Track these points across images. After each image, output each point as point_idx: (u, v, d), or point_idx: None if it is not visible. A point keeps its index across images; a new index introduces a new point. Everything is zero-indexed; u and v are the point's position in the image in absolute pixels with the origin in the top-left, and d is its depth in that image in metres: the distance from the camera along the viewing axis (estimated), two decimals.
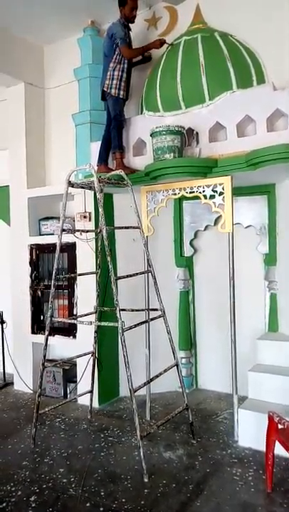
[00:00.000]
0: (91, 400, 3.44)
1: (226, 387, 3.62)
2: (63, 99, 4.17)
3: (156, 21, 3.68)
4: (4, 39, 3.93)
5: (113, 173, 3.06)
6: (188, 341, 3.94)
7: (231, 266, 2.93)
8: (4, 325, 4.33)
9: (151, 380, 2.84)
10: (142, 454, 2.49)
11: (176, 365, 2.96)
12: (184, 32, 3.39)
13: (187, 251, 3.92)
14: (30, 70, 4.21)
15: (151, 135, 3.07)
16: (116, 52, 3.33)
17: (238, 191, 3.19)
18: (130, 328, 2.63)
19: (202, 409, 3.51)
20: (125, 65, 3.38)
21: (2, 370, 4.36)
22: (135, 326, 2.70)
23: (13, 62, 4.03)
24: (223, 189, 2.92)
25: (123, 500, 2.30)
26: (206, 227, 3.80)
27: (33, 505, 2.29)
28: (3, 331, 4.33)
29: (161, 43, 3.40)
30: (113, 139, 3.39)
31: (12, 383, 4.24)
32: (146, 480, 2.46)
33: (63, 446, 2.96)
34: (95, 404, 3.56)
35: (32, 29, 3.99)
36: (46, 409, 3.14)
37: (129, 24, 3.42)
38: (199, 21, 3.36)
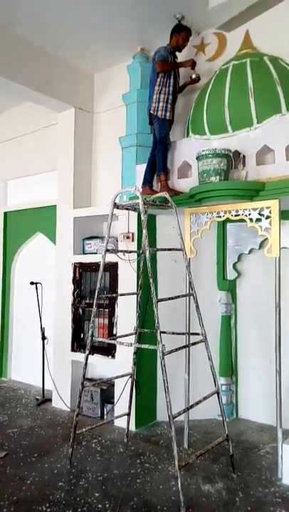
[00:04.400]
0: (128, 422, 3.39)
1: (268, 419, 3.45)
2: (111, 122, 4.30)
3: (205, 47, 3.74)
4: (59, 67, 4.15)
5: (158, 195, 3.08)
6: (229, 367, 3.81)
7: (278, 291, 2.83)
8: (46, 341, 4.41)
9: (191, 407, 2.76)
10: (179, 484, 2.39)
11: (217, 392, 2.86)
12: (233, 57, 3.41)
13: (230, 274, 3.83)
14: (81, 96, 4.40)
15: (197, 158, 3.08)
16: (160, 75, 3.40)
17: (285, 215, 3.11)
18: (171, 352, 2.58)
19: (243, 440, 3.35)
20: (170, 88, 3.44)
21: (41, 386, 4.41)
22: (176, 350, 2.65)
23: (66, 89, 4.23)
24: (270, 212, 2.85)
25: None
26: (251, 251, 3.71)
27: None
28: (44, 347, 4.40)
29: (192, 64, 3.44)
30: (158, 161, 3.43)
31: (50, 400, 4.28)
32: None
33: (99, 469, 2.91)
34: (132, 427, 3.50)
35: (84, 57, 4.18)
36: (84, 430, 3.12)
37: (176, 52, 3.50)
38: (248, 46, 3.38)
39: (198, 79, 3.60)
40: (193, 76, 3.56)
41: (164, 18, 3.46)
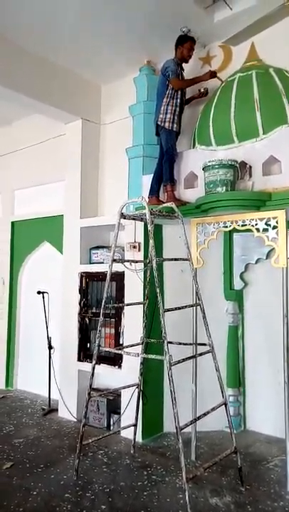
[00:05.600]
0: (135, 433, 3.37)
1: (277, 431, 3.41)
2: (118, 134, 4.35)
3: (211, 59, 3.79)
4: (66, 79, 4.22)
5: (164, 205, 3.10)
6: (237, 378, 3.78)
7: (285, 302, 2.81)
8: (52, 350, 4.41)
9: (198, 418, 2.74)
10: (187, 498, 2.37)
11: (225, 404, 2.84)
12: (239, 69, 3.45)
13: (237, 284, 3.83)
14: (88, 108, 4.46)
15: (203, 169, 3.10)
16: (169, 88, 3.44)
17: None
18: (178, 362, 2.57)
19: (251, 453, 3.31)
20: (178, 100, 3.48)
21: (48, 396, 4.40)
22: (183, 360, 2.64)
23: (73, 101, 4.30)
24: (277, 223, 2.85)
25: None
26: (258, 261, 3.71)
27: None
28: (50, 357, 4.40)
29: (211, 75, 3.49)
30: (165, 172, 3.46)
31: (57, 410, 4.27)
32: None
33: (106, 481, 2.89)
34: (139, 438, 3.47)
35: (92, 70, 4.26)
36: (90, 441, 3.10)
37: (183, 64, 3.55)
38: (254, 58, 3.41)
39: (206, 93, 3.64)
40: (202, 89, 3.62)
41: (171, 31, 3.50)
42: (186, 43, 3.48)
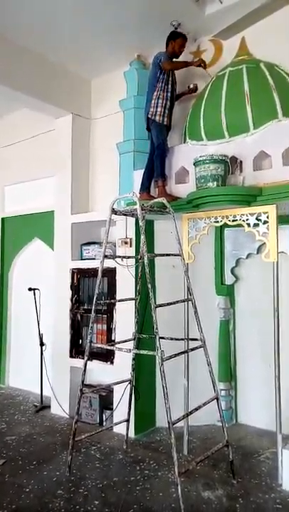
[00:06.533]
0: (127, 429, 3.37)
1: (268, 424, 3.44)
2: (108, 129, 4.32)
3: (201, 54, 3.77)
4: (56, 73, 4.16)
5: (155, 200, 3.09)
6: (228, 373, 3.80)
7: (276, 296, 2.83)
8: (44, 347, 4.39)
9: (190, 413, 2.75)
10: (179, 492, 2.38)
11: (217, 398, 2.86)
12: (229, 63, 3.43)
13: (228, 279, 3.84)
14: (78, 102, 4.42)
15: (194, 164, 3.09)
16: (160, 80, 3.43)
17: (283, 220, 3.12)
18: (170, 357, 2.58)
19: (242, 446, 3.34)
20: (169, 94, 3.47)
21: (40, 393, 4.38)
22: (175, 355, 2.64)
23: (63, 95, 4.25)
24: (267, 218, 2.86)
25: None
26: (249, 255, 3.72)
27: None
28: (42, 354, 4.38)
29: (201, 62, 3.48)
30: (156, 167, 3.45)
31: (49, 406, 4.26)
32: None
33: (98, 476, 2.90)
34: (131, 433, 3.48)
35: (81, 64, 4.21)
36: (82, 437, 3.10)
37: (173, 59, 3.53)
38: (244, 53, 3.40)
39: (195, 89, 3.64)
40: (191, 86, 3.62)
41: (161, 25, 3.48)
42: (177, 39, 3.47)
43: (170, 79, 3.48)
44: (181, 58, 3.63)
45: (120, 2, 3.25)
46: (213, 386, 2.88)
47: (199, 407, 2.75)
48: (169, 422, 2.43)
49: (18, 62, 3.80)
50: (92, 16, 3.43)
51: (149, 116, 3.46)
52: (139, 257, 3.32)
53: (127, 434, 3.38)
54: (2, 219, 5.31)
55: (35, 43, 3.81)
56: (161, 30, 3.52)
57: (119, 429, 3.51)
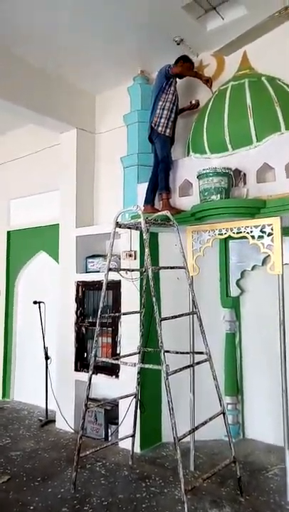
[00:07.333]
0: (133, 444, 3.33)
1: (276, 439, 3.37)
2: (112, 143, 4.36)
3: (204, 68, 3.82)
4: (61, 89, 4.23)
5: (159, 213, 3.10)
6: (235, 386, 3.75)
7: (282, 309, 2.81)
8: (49, 361, 4.37)
9: (196, 428, 2.71)
10: (186, 509, 2.33)
11: (223, 413, 2.82)
12: (231, 78, 3.47)
13: (233, 291, 3.82)
14: (83, 117, 4.48)
15: (198, 177, 3.11)
16: (166, 92, 3.47)
17: (287, 231, 3.11)
18: (175, 372, 2.55)
19: (250, 462, 3.27)
20: (174, 107, 3.51)
21: (45, 407, 4.35)
22: (180, 369, 2.62)
23: (68, 111, 4.31)
24: (272, 230, 2.85)
25: None
26: (254, 267, 3.71)
27: None
28: (47, 367, 4.36)
29: (208, 79, 3.54)
30: (160, 180, 3.47)
31: (54, 421, 4.22)
32: None
33: (104, 493, 2.85)
34: (137, 448, 3.43)
35: (86, 79, 4.28)
36: (87, 452, 3.06)
37: (177, 78, 3.58)
38: (246, 67, 3.44)
39: (197, 104, 3.69)
40: (193, 101, 3.68)
41: (163, 41, 3.55)
42: (187, 63, 3.55)
43: (175, 92, 3.53)
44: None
45: (123, 19, 3.31)
46: (220, 400, 2.84)
47: (205, 422, 2.71)
48: (174, 438, 2.39)
49: (23, 78, 3.87)
50: (95, 33, 3.49)
51: (152, 125, 3.49)
52: (143, 269, 3.32)
53: (133, 450, 3.33)
54: (8, 232, 5.35)
55: (39, 59, 3.88)
56: (164, 47, 3.59)
57: (125, 444, 3.46)
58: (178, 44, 3.59)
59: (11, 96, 3.77)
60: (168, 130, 3.49)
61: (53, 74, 4.14)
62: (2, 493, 2.87)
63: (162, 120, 3.47)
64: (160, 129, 3.47)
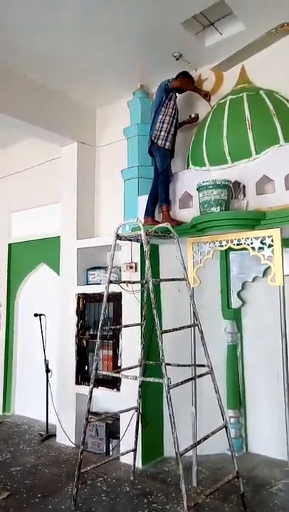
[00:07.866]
0: (134, 459, 3.27)
1: (279, 453, 3.32)
2: (113, 156, 4.40)
3: (202, 83, 3.87)
4: (61, 103, 4.29)
5: (160, 225, 3.11)
6: (237, 399, 3.71)
7: (283, 320, 2.80)
8: (49, 374, 4.34)
9: (199, 442, 2.68)
10: None
11: (226, 427, 2.78)
12: (230, 91, 3.52)
13: (235, 303, 3.81)
14: (84, 131, 4.52)
15: (197, 189, 3.13)
16: (166, 105, 3.52)
17: (287, 243, 3.11)
18: (177, 385, 2.53)
19: (254, 477, 3.22)
20: (174, 120, 3.55)
21: (45, 421, 4.30)
22: (182, 383, 2.60)
23: (69, 124, 4.37)
24: (272, 241, 2.86)
25: None
26: (255, 279, 3.70)
27: None
28: (48, 380, 4.33)
29: (206, 94, 3.61)
30: (160, 192, 3.49)
31: (55, 435, 4.17)
32: None
33: (105, 510, 2.80)
34: (138, 464, 3.38)
35: (86, 94, 4.33)
36: (89, 468, 3.01)
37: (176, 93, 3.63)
38: (245, 81, 3.49)
39: (196, 118, 3.73)
40: (192, 115, 3.73)
41: (163, 56, 3.61)
42: (187, 78, 3.61)
43: (175, 106, 3.58)
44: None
45: (123, 35, 3.37)
46: (222, 414, 2.81)
47: (208, 437, 2.67)
48: (176, 453, 2.36)
49: (22, 91, 3.91)
50: (95, 47, 3.53)
51: (152, 137, 3.53)
52: (144, 281, 3.31)
53: (134, 465, 3.28)
54: (9, 245, 5.36)
55: (40, 75, 3.94)
56: (163, 62, 3.65)
57: (126, 459, 3.41)
58: (177, 59, 3.65)
59: (12, 110, 3.82)
60: (168, 143, 3.52)
61: (54, 89, 4.19)
62: (2, 510, 2.83)
63: (162, 133, 3.51)
64: (160, 142, 3.50)
